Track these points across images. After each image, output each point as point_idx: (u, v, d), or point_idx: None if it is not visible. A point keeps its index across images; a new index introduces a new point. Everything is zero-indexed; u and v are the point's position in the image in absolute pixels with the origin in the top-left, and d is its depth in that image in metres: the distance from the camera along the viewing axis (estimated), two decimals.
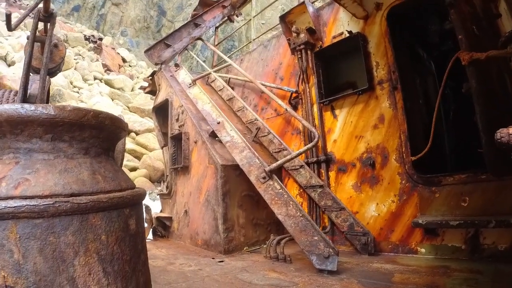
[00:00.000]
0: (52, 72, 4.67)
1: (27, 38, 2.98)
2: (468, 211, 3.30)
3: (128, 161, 13.50)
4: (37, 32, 2.95)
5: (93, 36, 34.91)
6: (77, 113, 1.36)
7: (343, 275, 3.08)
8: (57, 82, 16.81)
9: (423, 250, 3.58)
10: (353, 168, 4.35)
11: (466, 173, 3.38)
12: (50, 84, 3.72)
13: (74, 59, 24.94)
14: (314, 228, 3.55)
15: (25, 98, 2.74)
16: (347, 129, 4.46)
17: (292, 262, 3.71)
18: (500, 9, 2.84)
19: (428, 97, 5.15)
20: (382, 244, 3.93)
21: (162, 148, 6.99)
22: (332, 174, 4.58)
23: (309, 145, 4.07)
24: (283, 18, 5.23)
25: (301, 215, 3.69)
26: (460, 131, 4.98)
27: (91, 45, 32.27)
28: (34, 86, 2.94)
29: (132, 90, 25.29)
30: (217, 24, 7.87)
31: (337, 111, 4.61)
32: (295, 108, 5.15)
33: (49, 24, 2.97)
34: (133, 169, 13.20)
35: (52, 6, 2.99)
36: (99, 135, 1.48)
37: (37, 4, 2.85)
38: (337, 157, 4.54)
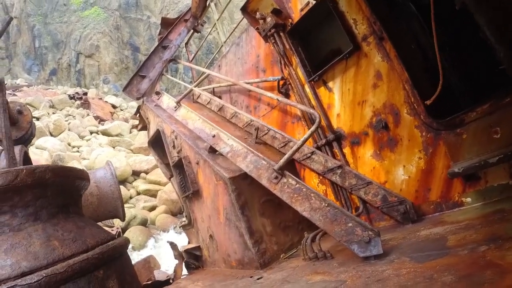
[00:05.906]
0: (26, 140, 4.45)
1: None
2: (504, 142, 2.85)
3: (146, 202, 13.60)
4: None
5: (77, 93, 35.15)
6: (5, 177, 1.08)
7: (392, 255, 2.69)
8: (55, 147, 16.83)
9: (468, 199, 3.15)
10: (366, 137, 3.98)
11: (488, 102, 2.96)
12: (23, 152, 3.49)
13: (66, 120, 24.96)
14: (345, 215, 3.18)
15: None
16: (347, 98, 4.10)
17: (333, 257, 3.31)
18: None
19: (419, 41, 4.76)
20: (422, 207, 3.52)
21: (169, 179, 6.72)
22: (346, 150, 4.22)
23: (312, 129, 3.72)
24: (244, 9, 4.95)
25: (326, 205, 3.33)
26: (462, 60, 4.57)
27: (78, 102, 32.42)
28: (1, 159, 2.73)
29: (131, 132, 25.29)
30: (186, 40, 7.64)
31: (330, 84, 4.26)
32: (286, 95, 4.82)
33: None
34: (153, 208, 13.20)
35: None
36: (45, 193, 1.19)
37: None
38: (346, 131, 4.19)
